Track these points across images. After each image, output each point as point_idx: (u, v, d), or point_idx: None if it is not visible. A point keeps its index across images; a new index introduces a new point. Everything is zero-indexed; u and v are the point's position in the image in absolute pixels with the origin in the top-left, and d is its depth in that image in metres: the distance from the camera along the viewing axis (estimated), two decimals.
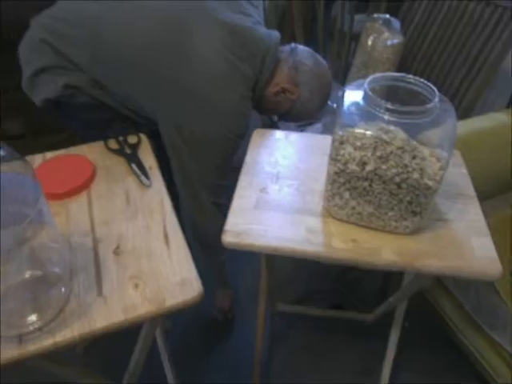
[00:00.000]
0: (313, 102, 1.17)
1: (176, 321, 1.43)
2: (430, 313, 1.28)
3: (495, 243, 0.78)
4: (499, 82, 1.63)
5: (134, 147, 0.97)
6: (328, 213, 0.82)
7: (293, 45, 1.18)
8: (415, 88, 0.77)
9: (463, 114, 1.33)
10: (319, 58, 1.18)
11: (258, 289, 1.08)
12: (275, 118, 1.38)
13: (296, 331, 1.47)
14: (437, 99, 0.72)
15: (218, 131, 1.03)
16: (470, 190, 0.90)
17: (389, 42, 1.45)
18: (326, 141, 1.00)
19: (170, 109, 1.02)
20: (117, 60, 1.00)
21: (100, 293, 0.69)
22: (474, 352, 1.15)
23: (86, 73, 1.00)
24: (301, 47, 1.18)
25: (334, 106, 1.42)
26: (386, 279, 1.46)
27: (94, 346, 1.37)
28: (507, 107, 1.59)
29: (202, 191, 1.10)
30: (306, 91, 1.14)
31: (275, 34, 1.12)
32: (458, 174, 0.94)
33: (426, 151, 0.73)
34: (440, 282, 1.19)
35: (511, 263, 1.06)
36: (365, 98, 0.74)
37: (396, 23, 1.48)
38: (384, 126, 0.73)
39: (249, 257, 1.41)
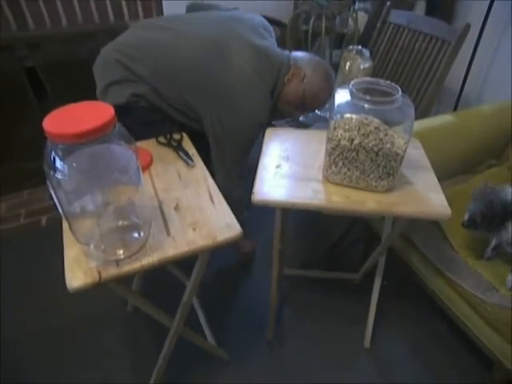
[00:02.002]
0: (318, 80, 1.29)
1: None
2: (403, 271, 1.40)
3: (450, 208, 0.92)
4: (447, 94, 1.82)
5: (179, 141, 1.13)
6: (326, 179, 0.98)
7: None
8: (385, 89, 0.93)
9: (420, 117, 1.48)
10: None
11: (271, 256, 1.21)
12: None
13: (299, 291, 1.57)
14: (399, 93, 0.89)
15: (248, 122, 1.21)
16: (427, 164, 1.07)
17: (361, 66, 1.62)
18: (319, 134, 1.18)
19: (213, 106, 1.19)
20: (174, 72, 1.18)
21: (168, 234, 0.84)
22: (437, 293, 1.29)
23: (148, 84, 1.18)
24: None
25: (322, 114, 1.59)
26: (368, 247, 1.60)
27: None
28: (454, 110, 1.76)
29: (233, 166, 1.29)
30: (309, 69, 1.28)
31: (287, 53, 1.32)
32: (418, 154, 1.11)
33: (393, 132, 0.90)
34: (411, 244, 1.34)
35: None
36: (351, 94, 0.90)
37: (366, 52, 1.65)
38: (364, 114, 0.90)
39: (262, 230, 1.55)
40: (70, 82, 1.80)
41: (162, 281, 1.47)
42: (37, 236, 1.82)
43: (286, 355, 1.36)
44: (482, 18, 1.61)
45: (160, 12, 2.05)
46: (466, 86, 1.71)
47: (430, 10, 1.96)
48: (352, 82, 0.92)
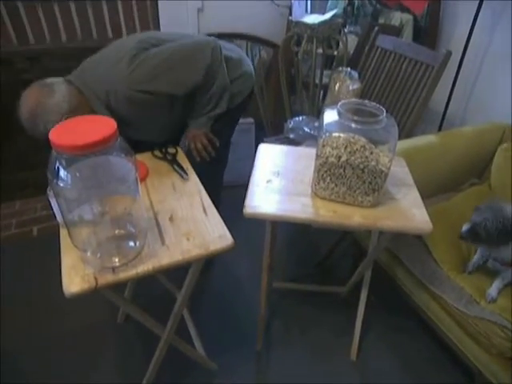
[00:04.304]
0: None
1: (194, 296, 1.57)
2: (389, 284, 1.44)
3: (433, 224, 0.96)
4: (432, 114, 1.90)
5: (174, 155, 1.18)
6: (315, 194, 1.03)
7: None
8: (371, 110, 1.00)
9: (405, 137, 1.54)
10: None
11: (260, 276, 1.25)
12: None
13: (288, 304, 1.60)
14: (384, 114, 0.95)
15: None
16: (411, 182, 1.13)
17: (350, 87, 1.70)
18: (308, 151, 1.24)
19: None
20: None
21: (163, 243, 0.88)
22: (421, 306, 1.33)
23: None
24: None
25: (312, 132, 1.66)
26: (356, 263, 1.64)
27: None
28: (439, 130, 1.84)
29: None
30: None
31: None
32: (403, 172, 1.17)
33: (378, 150, 0.96)
34: (396, 257, 1.38)
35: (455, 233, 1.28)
36: (338, 114, 0.96)
37: (355, 74, 1.73)
38: (351, 133, 0.96)
39: (251, 250, 1.59)
40: None
41: (153, 293, 1.49)
42: (28, 246, 1.84)
43: (273, 366, 1.38)
44: (464, 44, 1.70)
45: (157, 27, 2.12)
46: (450, 107, 1.79)
47: (417, 36, 2.06)
48: (340, 103, 0.98)
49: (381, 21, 2.21)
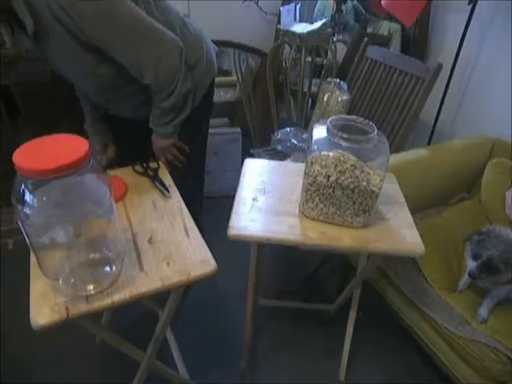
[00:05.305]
0: None
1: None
2: (378, 301, 1.42)
3: (423, 241, 0.94)
4: (422, 126, 1.89)
5: (155, 170, 1.12)
6: (303, 214, 0.99)
7: None
8: (360, 126, 0.96)
9: (395, 150, 1.53)
10: None
11: (245, 291, 1.21)
12: None
13: (274, 321, 1.56)
14: (375, 132, 0.92)
15: None
16: (402, 199, 1.10)
17: (339, 99, 1.67)
18: (296, 167, 1.20)
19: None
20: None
21: (142, 269, 0.82)
22: (411, 325, 1.30)
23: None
24: None
25: (300, 144, 1.62)
26: (343, 280, 1.61)
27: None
28: (428, 144, 1.82)
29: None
30: None
31: None
32: (393, 189, 1.13)
33: (369, 169, 0.92)
34: (385, 275, 1.35)
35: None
36: (328, 131, 0.92)
37: (344, 85, 1.70)
38: (340, 151, 0.92)
39: (237, 264, 1.54)
40: (44, 102, 1.78)
41: (134, 309, 1.43)
42: (2, 260, 1.75)
43: None
44: (453, 55, 1.69)
45: None
46: (440, 119, 1.77)
47: (405, 46, 2.05)
48: (329, 119, 0.94)
49: (369, 30, 2.20)
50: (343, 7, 2.35)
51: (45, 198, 0.64)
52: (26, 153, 0.62)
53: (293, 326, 1.55)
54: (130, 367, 1.09)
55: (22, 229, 0.68)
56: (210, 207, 1.62)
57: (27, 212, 0.63)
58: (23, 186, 0.63)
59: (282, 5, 2.17)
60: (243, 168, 1.17)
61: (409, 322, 1.33)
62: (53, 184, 0.64)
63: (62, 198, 0.69)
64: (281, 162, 1.27)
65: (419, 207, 1.48)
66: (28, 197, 0.63)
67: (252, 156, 1.64)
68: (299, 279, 1.74)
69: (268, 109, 2.27)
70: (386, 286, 1.36)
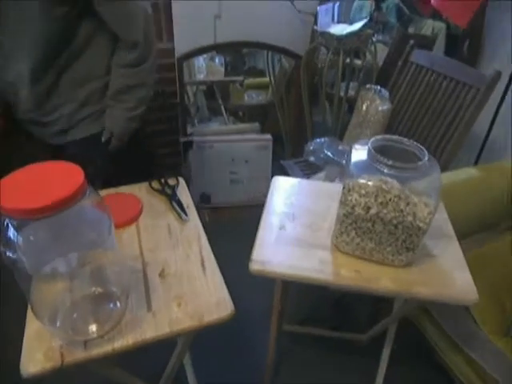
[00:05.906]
0: None
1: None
2: (416, 337, 1.28)
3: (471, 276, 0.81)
4: (468, 141, 1.70)
5: (173, 188, 1.02)
6: (336, 247, 0.87)
7: None
8: (408, 148, 0.83)
9: (442, 168, 1.37)
10: None
11: (270, 312, 1.11)
12: None
13: (299, 349, 1.45)
14: (426, 158, 0.78)
15: None
16: (451, 232, 0.95)
17: (379, 108, 1.52)
18: (330, 187, 1.08)
19: None
20: None
21: (149, 309, 0.73)
22: (452, 368, 1.15)
23: None
24: None
25: (335, 158, 1.48)
26: (376, 305, 1.48)
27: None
28: (475, 163, 1.64)
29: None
30: None
31: None
32: (441, 219, 0.98)
33: (416, 199, 0.78)
34: (426, 310, 1.20)
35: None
36: (369, 155, 0.79)
37: (385, 93, 1.56)
38: (383, 177, 0.78)
39: (262, 282, 1.43)
40: None
41: None
42: None
43: None
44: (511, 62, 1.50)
45: (171, 37, 1.97)
46: (492, 133, 1.59)
47: (449, 47, 1.86)
48: (371, 140, 0.82)
49: (411, 29, 2.02)
50: (383, 5, 2.18)
51: (32, 238, 0.55)
52: (11, 186, 0.53)
53: (320, 354, 1.42)
54: None
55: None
56: (238, 216, 1.52)
57: (13, 257, 0.54)
58: (9, 226, 0.54)
59: (320, 4, 2.02)
60: (271, 186, 1.06)
61: (450, 364, 1.18)
62: (41, 222, 0.55)
63: (54, 232, 0.60)
64: (312, 182, 1.15)
65: (462, 233, 1.31)
66: (13, 237, 0.54)
67: (282, 168, 1.52)
68: (327, 304, 1.61)
69: (301, 112, 2.14)
70: (426, 323, 1.22)
